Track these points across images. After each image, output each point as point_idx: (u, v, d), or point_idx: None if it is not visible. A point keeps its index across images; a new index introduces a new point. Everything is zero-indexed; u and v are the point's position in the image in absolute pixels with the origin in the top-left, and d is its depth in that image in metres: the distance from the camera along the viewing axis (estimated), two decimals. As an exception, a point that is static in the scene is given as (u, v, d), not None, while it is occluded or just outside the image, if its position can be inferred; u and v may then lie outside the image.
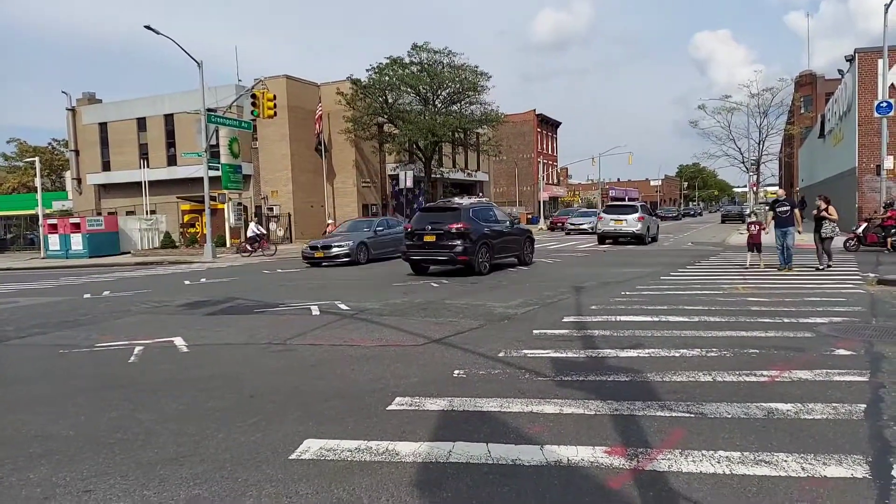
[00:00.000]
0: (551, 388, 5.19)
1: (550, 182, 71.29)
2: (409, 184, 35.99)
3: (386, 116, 35.06)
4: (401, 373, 5.88)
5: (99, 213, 35.50)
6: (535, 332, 7.63)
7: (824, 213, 14.12)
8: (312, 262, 20.21)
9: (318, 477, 3.56)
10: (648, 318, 8.26)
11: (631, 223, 25.33)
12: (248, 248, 26.05)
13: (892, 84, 24.05)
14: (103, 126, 39.52)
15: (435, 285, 13.04)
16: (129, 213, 35.88)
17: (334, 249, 19.85)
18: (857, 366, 5.62)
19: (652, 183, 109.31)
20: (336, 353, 6.90)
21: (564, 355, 6.36)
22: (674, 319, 8.16)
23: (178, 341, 7.79)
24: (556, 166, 77.47)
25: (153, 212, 34.92)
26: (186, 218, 35.44)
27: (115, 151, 39.14)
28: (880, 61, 22.94)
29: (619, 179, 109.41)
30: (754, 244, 15.21)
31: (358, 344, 7.30)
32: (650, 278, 13.20)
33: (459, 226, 14.94)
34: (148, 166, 36.31)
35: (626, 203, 31.05)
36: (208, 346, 7.58)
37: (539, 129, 69.29)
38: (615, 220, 25.87)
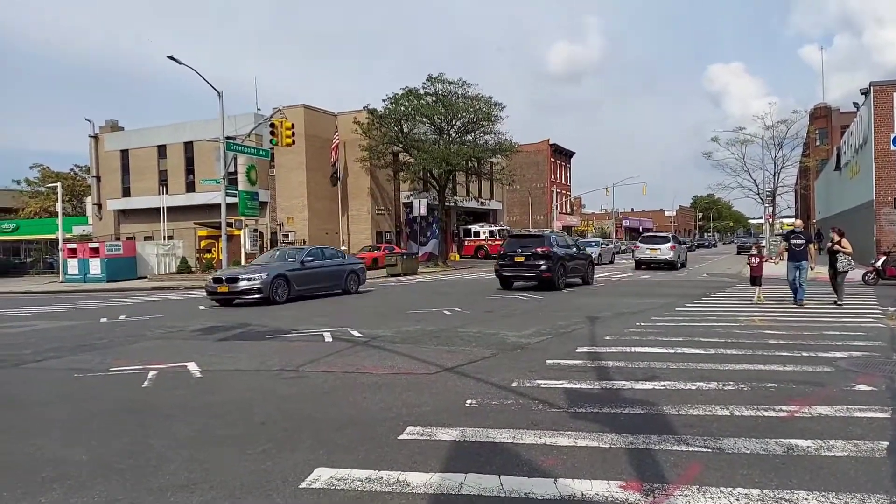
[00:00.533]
0: (565, 420, 5.12)
1: (564, 211, 71.32)
2: (423, 212, 36.19)
3: (401, 145, 35.47)
4: (413, 401, 5.84)
5: (118, 239, 36.00)
6: (548, 362, 7.56)
7: (838, 247, 13.58)
8: (219, 298, 16.36)
9: (329, 507, 3.52)
10: (664, 350, 8.16)
11: (664, 251, 28.82)
12: None
13: (909, 117, 23.94)
14: (125, 153, 40.35)
15: (447, 313, 13.01)
16: (146, 238, 36.37)
17: (241, 283, 16.01)
18: (878, 402, 5.49)
19: (666, 213, 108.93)
20: (348, 380, 6.88)
21: (578, 386, 6.29)
22: (690, 351, 8.05)
23: (192, 366, 7.82)
24: (570, 195, 77.55)
25: (170, 237, 35.38)
26: (203, 244, 35.84)
27: (136, 178, 39.89)
28: (895, 94, 22.91)
29: (633, 209, 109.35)
30: (755, 277, 14.47)
31: (370, 371, 7.27)
32: (665, 309, 13.07)
33: (544, 249, 17.84)
34: (167, 192, 36.91)
35: (660, 234, 34.52)
36: (221, 371, 7.59)
37: (552, 159, 69.61)
38: (650, 248, 29.37)
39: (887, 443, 4.39)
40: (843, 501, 3.44)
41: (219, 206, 26.98)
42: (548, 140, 68.63)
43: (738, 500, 3.49)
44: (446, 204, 37.93)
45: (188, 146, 37.95)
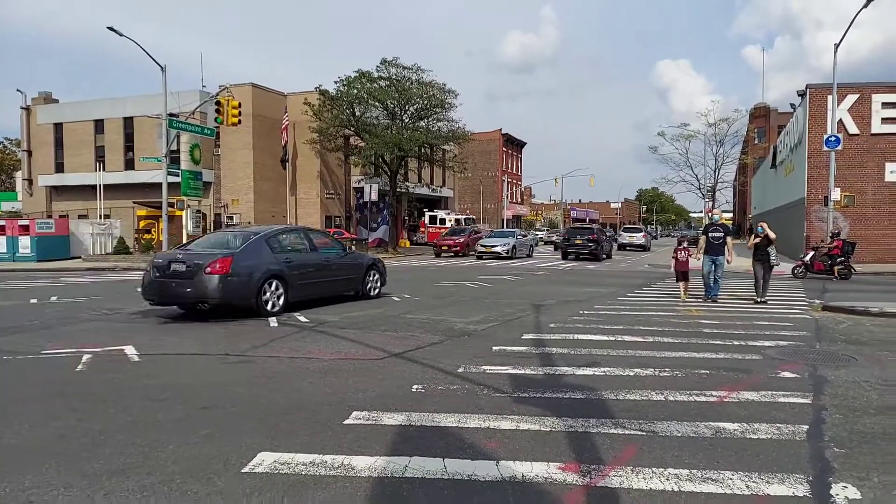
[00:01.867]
0: (509, 405, 5.24)
1: (514, 201, 72.13)
2: (374, 197, 35.92)
3: (353, 129, 35.01)
4: (359, 386, 5.84)
5: (49, 216, 34.29)
6: (494, 348, 7.69)
7: (765, 235, 12.62)
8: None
9: (271, 491, 3.51)
10: (605, 338, 8.42)
11: (638, 238, 40.77)
12: None
13: (841, 120, 25.22)
14: (59, 126, 38.40)
15: (396, 300, 13.02)
16: (81, 216, 34.77)
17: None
18: (800, 388, 5.84)
19: (612, 205, 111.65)
20: (294, 365, 6.82)
21: (523, 372, 6.43)
22: (629, 339, 8.34)
23: (130, 350, 7.58)
24: (521, 185, 78.47)
25: (107, 216, 33.95)
26: (142, 224, 34.55)
27: (70, 153, 38.05)
28: (830, 97, 24.08)
29: (580, 201, 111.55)
30: (682, 272, 13.52)
31: (316, 357, 7.23)
32: (608, 298, 13.45)
33: (594, 236, 29.09)
34: (104, 169, 35.36)
35: (635, 226, 48.06)
36: (161, 355, 7.39)
37: (504, 149, 70.16)
38: (630, 236, 41.10)
39: (807, 426, 4.68)
40: (764, 480, 3.67)
41: (160, 185, 26.06)
42: (500, 129, 69.10)
43: (668, 479, 3.67)
44: (398, 190, 37.74)
45: (128, 122, 36.42)
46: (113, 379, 6.22)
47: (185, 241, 28.48)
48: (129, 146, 36.61)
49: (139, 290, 11.12)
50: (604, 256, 29.59)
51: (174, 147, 27.29)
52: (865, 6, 21.45)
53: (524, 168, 78.61)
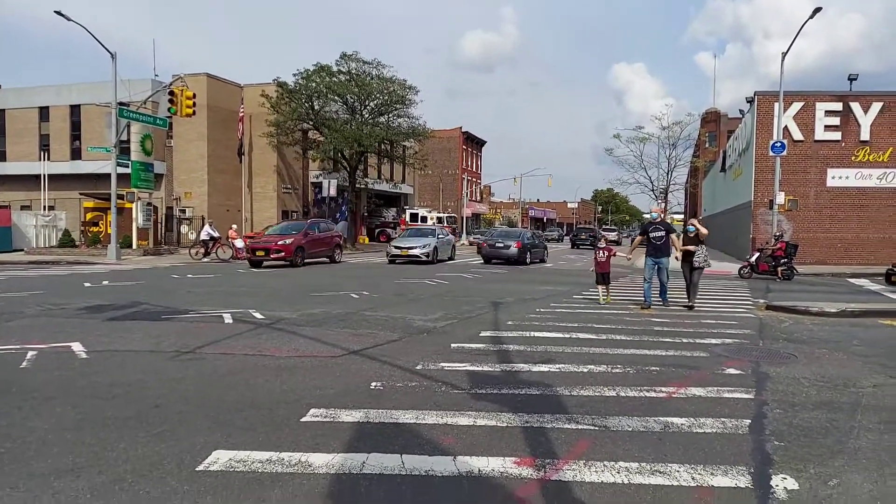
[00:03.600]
0: (466, 401, 5.31)
1: (474, 199, 72.47)
2: (333, 192, 35.56)
3: (311, 123, 34.56)
4: (316, 384, 5.82)
5: (-11, 206, 32.69)
6: (453, 345, 7.75)
7: (695, 234, 11.85)
8: None
9: (226, 489, 3.48)
10: (560, 335, 8.59)
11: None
12: (204, 250, 24.63)
13: (786, 126, 26.27)
14: (0, 113, 36.66)
15: (355, 296, 12.96)
16: (24, 207, 33.31)
17: None
18: (744, 384, 6.10)
19: (569, 205, 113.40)
20: (249, 362, 6.73)
21: (480, 369, 6.51)
22: (584, 336, 8.53)
23: (77, 347, 7.34)
24: (480, 184, 78.90)
25: (52, 207, 32.62)
26: (89, 216, 33.28)
27: (12, 141, 36.41)
28: (776, 104, 25.05)
29: (538, 200, 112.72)
30: (602, 274, 12.47)
31: (273, 354, 7.15)
32: (564, 296, 13.70)
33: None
34: (48, 159, 33.96)
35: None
36: (110, 352, 7.18)
37: (465, 147, 70.42)
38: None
39: (749, 421, 4.90)
40: (709, 472, 3.83)
41: (108, 176, 25.21)
42: (460, 128, 69.30)
43: (619, 472, 3.80)
44: (357, 185, 37.47)
45: (74, 110, 35.05)
46: (60, 376, 6.02)
47: (133, 234, 27.63)
48: (75, 135, 35.24)
49: (87, 284, 10.81)
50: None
51: (124, 137, 26.46)
52: (811, 17, 22.40)
53: (484, 166, 79.13)
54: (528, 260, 25.38)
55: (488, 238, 27.64)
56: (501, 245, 25.35)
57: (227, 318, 9.69)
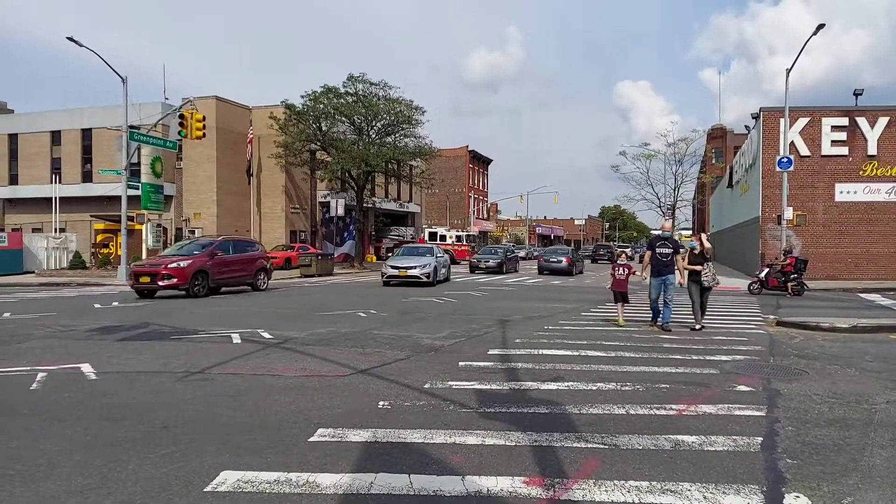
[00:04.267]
0: (474, 420, 5.28)
1: (480, 217, 72.64)
2: (341, 212, 35.74)
3: (319, 143, 34.87)
4: (324, 403, 5.81)
5: (2, 229, 33.08)
6: (460, 363, 7.73)
7: (700, 251, 11.16)
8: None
9: (235, 510, 3.47)
10: (569, 353, 8.55)
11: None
12: None
13: (793, 142, 26.27)
14: (13, 137, 37.30)
15: (362, 315, 12.96)
16: (35, 230, 33.68)
17: None
18: (755, 401, 6.04)
19: (576, 222, 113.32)
20: (257, 382, 6.73)
21: (488, 387, 6.49)
22: (592, 354, 8.49)
23: (86, 368, 7.37)
24: (487, 201, 79.10)
25: (63, 230, 32.95)
26: (100, 238, 33.58)
27: (25, 164, 36.96)
28: (782, 120, 25.08)
29: (545, 217, 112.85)
30: (620, 292, 11.73)
31: (281, 374, 7.15)
32: (572, 314, 13.65)
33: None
34: (60, 182, 34.39)
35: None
36: (119, 373, 7.21)
37: (471, 165, 70.76)
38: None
39: (761, 438, 4.85)
40: (721, 491, 3.79)
41: (118, 198, 25.50)
42: (467, 146, 69.72)
43: (629, 491, 3.76)
44: (364, 205, 37.66)
45: (86, 133, 35.57)
46: (69, 398, 6.04)
47: (143, 255, 27.80)
48: (86, 158, 35.72)
49: (97, 305, 10.88)
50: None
51: (135, 160, 26.75)
52: (815, 33, 22.49)
53: (490, 184, 79.41)
54: (574, 272, 31.26)
55: (543, 254, 35.03)
56: (554, 260, 31.72)
57: (236, 338, 9.71)
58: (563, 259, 31.25)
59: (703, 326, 11.15)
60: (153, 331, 10.64)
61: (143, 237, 28.25)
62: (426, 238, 46.73)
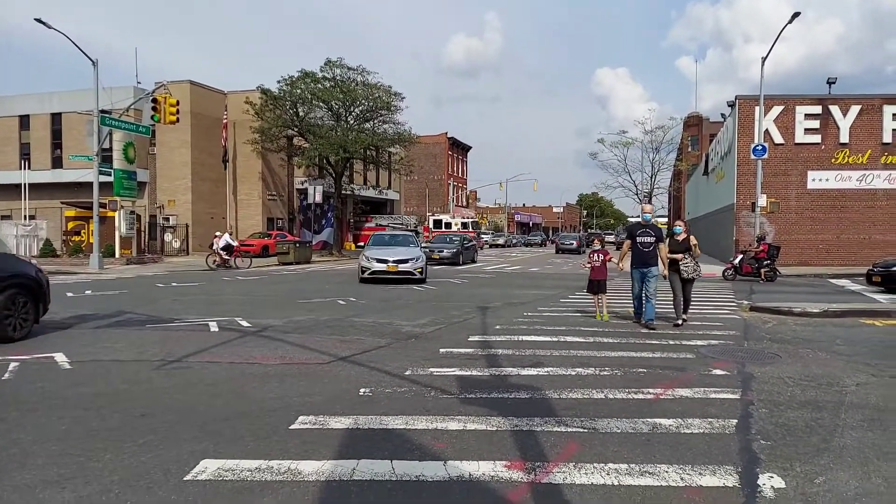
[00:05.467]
0: (456, 406, 5.30)
1: (460, 204, 72.60)
2: (319, 199, 35.44)
3: (296, 129, 34.44)
4: (305, 391, 5.79)
5: (-32, 216, 32.20)
6: (441, 350, 7.75)
7: (685, 242, 10.23)
8: None
9: (215, 498, 3.45)
10: (548, 338, 8.62)
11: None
12: (225, 257, 24.22)
13: (767, 130, 26.65)
14: (-21, 121, 36.16)
15: (342, 303, 12.91)
16: (4, 217, 32.85)
17: None
18: (730, 384, 6.16)
19: (554, 210, 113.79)
20: (236, 371, 6.68)
21: (469, 373, 6.52)
22: (571, 339, 8.57)
23: (60, 357, 7.23)
24: (466, 189, 79.06)
25: (32, 217, 32.14)
26: (71, 225, 32.86)
27: (-8, 150, 35.88)
28: (757, 108, 25.41)
29: (524, 205, 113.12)
30: (598, 281, 10.74)
31: (260, 362, 7.10)
32: (551, 300, 13.75)
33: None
34: (29, 168, 33.50)
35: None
36: (94, 362, 7.09)
37: (450, 152, 70.58)
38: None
39: (736, 420, 4.95)
40: (697, 472, 3.86)
41: (90, 184, 24.93)
42: (446, 133, 69.47)
43: (608, 474, 3.82)
44: (342, 192, 37.38)
45: (56, 118, 34.66)
46: (43, 387, 5.93)
47: (116, 243, 27.31)
48: (56, 143, 34.84)
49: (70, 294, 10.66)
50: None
51: (106, 145, 26.16)
52: (790, 22, 22.76)
53: (470, 172, 79.34)
54: (581, 251, 40.55)
55: (560, 238, 45.78)
56: (567, 243, 44.46)
57: (214, 327, 9.61)
58: (574, 242, 44.52)
59: (684, 321, 10.07)
60: (128, 319, 10.47)
61: (116, 224, 27.72)
62: (430, 226, 46.76)
